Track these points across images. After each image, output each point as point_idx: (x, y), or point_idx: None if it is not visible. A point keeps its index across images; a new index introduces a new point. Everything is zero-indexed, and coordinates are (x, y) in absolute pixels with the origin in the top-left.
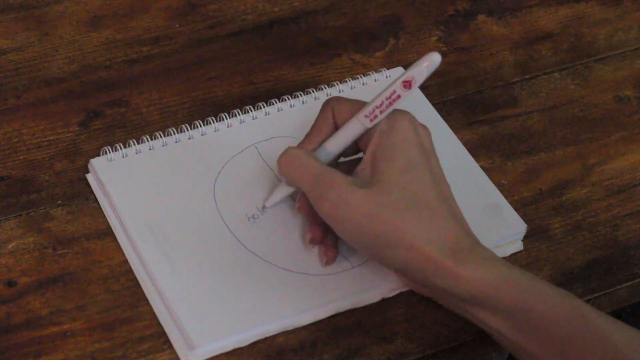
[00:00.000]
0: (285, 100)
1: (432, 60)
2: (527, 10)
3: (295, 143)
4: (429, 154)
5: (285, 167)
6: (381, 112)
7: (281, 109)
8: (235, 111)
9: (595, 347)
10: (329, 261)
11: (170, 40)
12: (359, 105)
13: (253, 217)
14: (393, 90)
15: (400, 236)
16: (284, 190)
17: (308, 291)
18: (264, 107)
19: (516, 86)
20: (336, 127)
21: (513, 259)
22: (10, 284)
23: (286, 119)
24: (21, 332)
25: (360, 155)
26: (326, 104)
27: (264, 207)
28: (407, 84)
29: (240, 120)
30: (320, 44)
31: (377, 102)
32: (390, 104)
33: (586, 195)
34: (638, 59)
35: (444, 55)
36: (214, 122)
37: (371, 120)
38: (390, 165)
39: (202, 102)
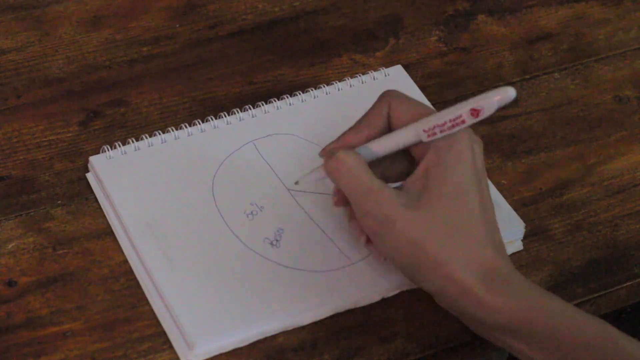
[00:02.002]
0: (285, 99)
1: (505, 95)
2: (527, 10)
3: (294, 141)
4: (480, 176)
5: (334, 172)
6: (441, 131)
7: (280, 107)
8: (234, 110)
9: None
10: (368, 244)
11: (170, 40)
12: (418, 108)
13: (252, 213)
14: (459, 115)
15: (439, 264)
16: (322, 173)
17: (308, 288)
18: (263, 106)
19: (516, 86)
20: (388, 125)
21: (513, 259)
22: (10, 284)
23: (285, 116)
24: (21, 332)
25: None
26: (383, 97)
27: (296, 182)
28: (475, 113)
29: (239, 117)
30: (320, 44)
31: (440, 121)
32: (453, 126)
33: (586, 195)
34: (638, 59)
35: (443, 55)
36: (213, 120)
37: (429, 137)
38: (441, 186)
39: (202, 102)
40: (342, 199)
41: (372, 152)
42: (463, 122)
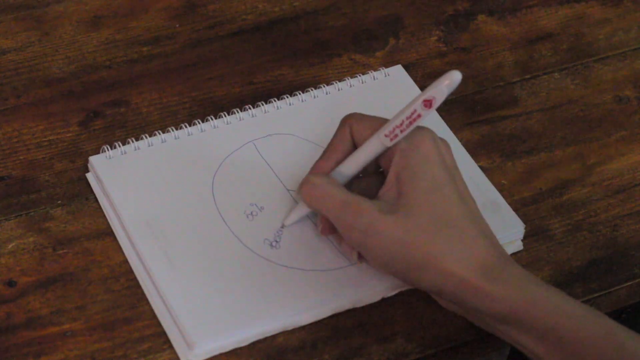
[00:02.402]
0: (285, 99)
1: (452, 79)
2: (527, 10)
3: (293, 140)
4: (452, 171)
5: (309, 196)
6: (401, 131)
7: (280, 107)
8: (234, 110)
9: None
10: (361, 259)
11: (170, 40)
12: (378, 122)
13: (252, 214)
14: (414, 110)
15: (431, 259)
16: (303, 210)
17: (308, 288)
18: (263, 105)
19: (516, 86)
20: (354, 145)
21: (513, 258)
22: (10, 284)
23: (285, 116)
24: (21, 332)
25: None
26: (344, 121)
27: (283, 225)
28: (428, 103)
29: (239, 117)
30: (320, 44)
31: (397, 122)
32: (411, 123)
33: (586, 195)
34: (638, 59)
35: (443, 55)
36: (213, 120)
37: (391, 140)
38: (415, 187)
39: (202, 102)
40: (327, 226)
41: (343, 174)
42: (419, 115)
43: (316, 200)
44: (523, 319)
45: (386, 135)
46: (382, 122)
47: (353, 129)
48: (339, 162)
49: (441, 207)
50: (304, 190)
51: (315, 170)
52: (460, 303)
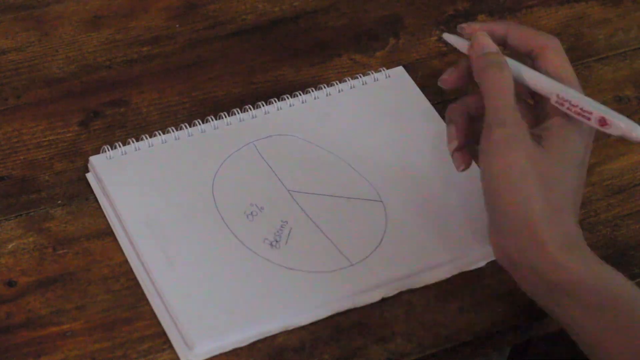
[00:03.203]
0: (285, 99)
1: (630, 131)
2: (527, 10)
3: (294, 141)
4: (585, 165)
5: (484, 68)
6: (567, 109)
7: (280, 108)
8: (234, 110)
9: None
10: (465, 167)
11: (170, 40)
12: (569, 70)
13: (252, 214)
14: (591, 111)
15: (528, 200)
16: (464, 49)
17: (307, 288)
18: (263, 106)
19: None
20: (530, 59)
21: None
22: (10, 284)
23: (285, 117)
24: (21, 332)
25: None
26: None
27: (441, 36)
28: (603, 122)
29: (240, 118)
30: (320, 44)
31: (575, 101)
32: (578, 115)
33: (586, 195)
34: (638, 59)
35: (443, 55)
36: (213, 120)
37: (556, 102)
38: (559, 147)
39: (202, 102)
40: (455, 80)
41: (517, 72)
42: (588, 119)
43: (494, 89)
44: (583, 293)
45: (558, 96)
46: (569, 73)
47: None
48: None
49: (564, 175)
50: (488, 57)
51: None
52: (524, 259)
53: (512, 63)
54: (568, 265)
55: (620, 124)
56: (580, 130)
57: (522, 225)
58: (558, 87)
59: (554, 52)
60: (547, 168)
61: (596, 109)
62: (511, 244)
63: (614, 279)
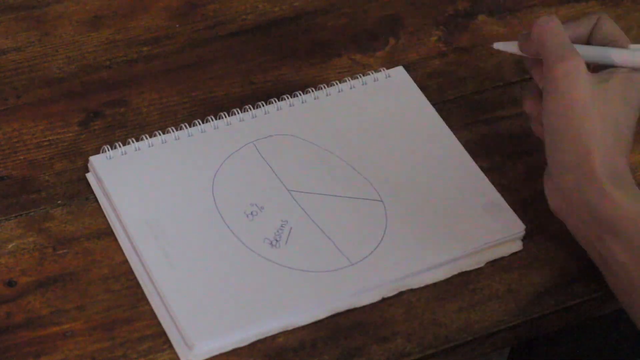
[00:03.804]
0: (285, 99)
1: None
2: (527, 10)
3: (294, 141)
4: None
5: (542, 26)
6: None
7: (280, 108)
8: (234, 110)
9: None
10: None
11: (170, 40)
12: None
13: (252, 213)
14: None
15: (587, 137)
16: (514, 49)
17: (308, 288)
18: (263, 106)
19: (516, 86)
20: (590, 35)
21: (513, 258)
22: (10, 284)
23: (286, 117)
24: (21, 332)
25: None
26: (592, 17)
27: (492, 45)
28: None
29: (240, 118)
30: (320, 44)
31: None
32: None
33: None
34: None
35: (443, 55)
36: (213, 120)
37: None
38: (620, 88)
39: (202, 102)
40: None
41: (592, 53)
42: None
43: (544, 31)
44: (629, 229)
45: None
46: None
47: (602, 22)
48: (572, 38)
49: (625, 117)
50: (540, 21)
51: None
52: (576, 192)
53: (587, 49)
54: (620, 200)
55: None
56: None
57: (581, 160)
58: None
59: (607, 21)
60: (607, 106)
61: None
62: (570, 181)
63: None
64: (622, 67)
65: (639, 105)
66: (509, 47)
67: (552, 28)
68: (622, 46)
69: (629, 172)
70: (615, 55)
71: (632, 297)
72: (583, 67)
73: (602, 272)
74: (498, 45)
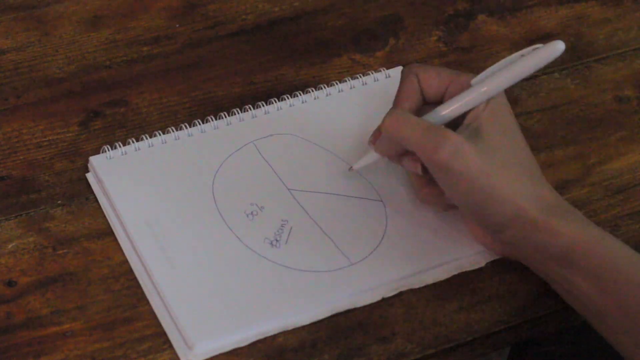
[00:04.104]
0: (285, 99)
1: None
2: (527, 10)
3: (295, 141)
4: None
5: (393, 125)
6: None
7: (281, 108)
8: (234, 110)
9: None
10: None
11: (170, 40)
12: (445, 72)
13: (252, 213)
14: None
15: (504, 193)
16: (374, 156)
17: (307, 288)
18: (263, 106)
19: (516, 86)
20: (423, 95)
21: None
22: (10, 284)
23: (286, 117)
24: (21, 332)
25: None
26: (408, 72)
27: (350, 168)
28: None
29: (240, 118)
30: (320, 44)
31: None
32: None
33: (586, 195)
34: (638, 59)
35: (443, 55)
36: (213, 120)
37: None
38: (494, 127)
39: (202, 102)
40: (412, 160)
41: (441, 116)
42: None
43: (400, 127)
44: (580, 258)
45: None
46: (448, 72)
47: (420, 77)
48: (412, 110)
49: (513, 149)
50: (388, 120)
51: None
52: (520, 239)
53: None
54: (563, 229)
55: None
56: (500, 101)
57: (512, 215)
58: (477, 87)
59: (422, 72)
60: (500, 151)
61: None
62: (509, 235)
63: (610, 242)
64: (478, 106)
65: (516, 124)
66: (368, 159)
67: (403, 121)
68: (463, 86)
69: (558, 195)
70: (465, 102)
71: (607, 324)
72: (459, 138)
73: (573, 307)
74: (356, 166)
